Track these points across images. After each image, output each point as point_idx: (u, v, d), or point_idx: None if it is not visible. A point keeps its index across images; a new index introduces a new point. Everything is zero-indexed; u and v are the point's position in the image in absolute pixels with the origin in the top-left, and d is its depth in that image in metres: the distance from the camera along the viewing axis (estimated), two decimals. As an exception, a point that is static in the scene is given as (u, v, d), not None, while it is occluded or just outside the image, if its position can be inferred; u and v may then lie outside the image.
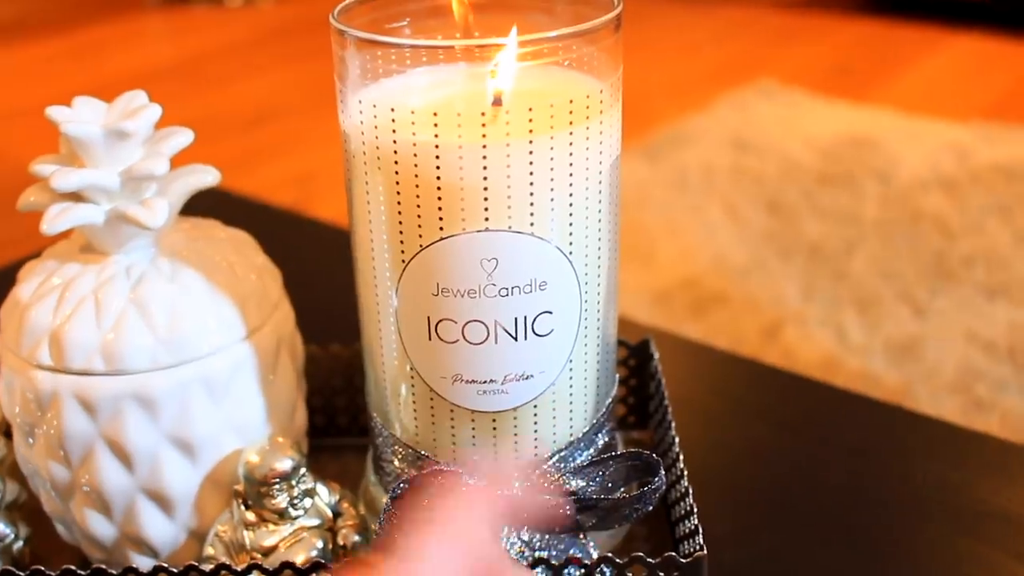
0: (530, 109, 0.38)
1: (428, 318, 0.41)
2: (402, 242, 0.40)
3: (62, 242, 0.49)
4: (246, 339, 0.46)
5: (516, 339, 0.41)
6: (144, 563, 0.46)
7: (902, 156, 1.94)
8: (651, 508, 0.43)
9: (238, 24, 2.91)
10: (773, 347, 1.44)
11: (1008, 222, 1.72)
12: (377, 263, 0.41)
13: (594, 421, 0.45)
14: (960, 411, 1.31)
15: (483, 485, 0.38)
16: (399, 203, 0.39)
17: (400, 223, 0.40)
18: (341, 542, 0.46)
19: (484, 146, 0.37)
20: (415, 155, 0.38)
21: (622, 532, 0.49)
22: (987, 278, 1.57)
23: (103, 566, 0.43)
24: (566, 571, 0.42)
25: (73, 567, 0.43)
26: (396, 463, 0.45)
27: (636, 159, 1.94)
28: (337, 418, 0.57)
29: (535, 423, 0.43)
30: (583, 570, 0.42)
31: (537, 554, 0.43)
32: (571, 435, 0.44)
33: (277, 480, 0.44)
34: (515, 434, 0.43)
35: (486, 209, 0.38)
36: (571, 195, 0.39)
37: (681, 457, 0.47)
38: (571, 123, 0.38)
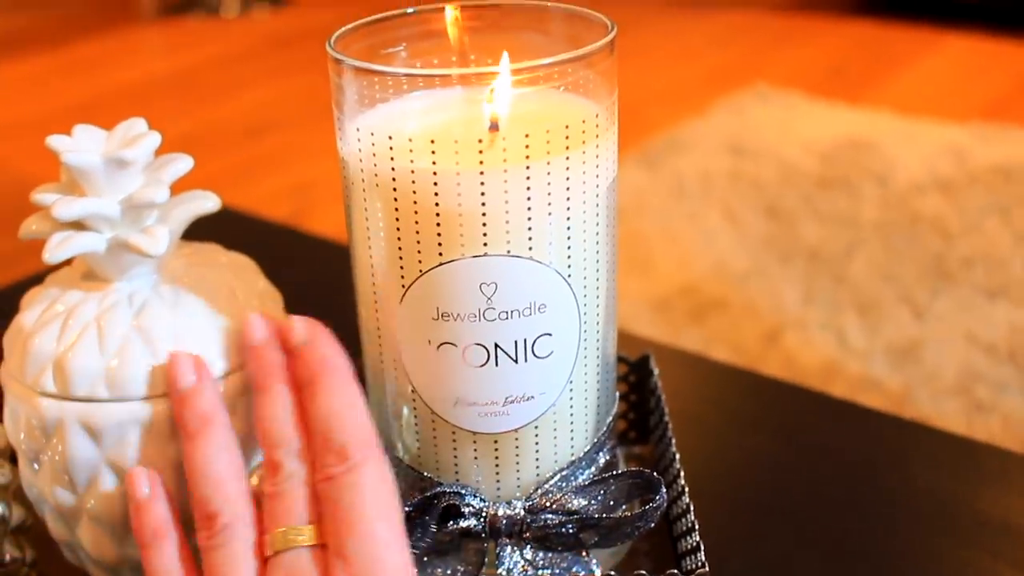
0: (527, 136, 0.38)
1: (429, 341, 0.41)
2: (402, 267, 0.40)
3: (64, 269, 0.49)
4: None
5: (516, 361, 0.41)
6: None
7: (900, 158, 1.94)
8: (653, 525, 0.44)
9: (234, 36, 2.92)
10: (774, 352, 1.44)
11: (1007, 223, 1.72)
12: (378, 287, 0.42)
13: (595, 440, 0.45)
14: (961, 413, 1.31)
15: None
16: (398, 229, 0.40)
17: (399, 248, 0.40)
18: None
19: (482, 172, 0.38)
20: (413, 182, 0.38)
21: (624, 549, 0.49)
22: (987, 279, 1.58)
23: (110, 591, 0.43)
24: None
25: (80, 593, 0.43)
26: (399, 484, 0.46)
27: (633, 166, 1.95)
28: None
29: (536, 443, 0.43)
30: (586, 588, 0.42)
31: (540, 572, 0.44)
32: (572, 454, 0.45)
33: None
34: (517, 455, 0.43)
35: (484, 234, 0.39)
36: (569, 219, 0.40)
37: (682, 474, 0.47)
38: (567, 147, 0.39)
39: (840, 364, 1.41)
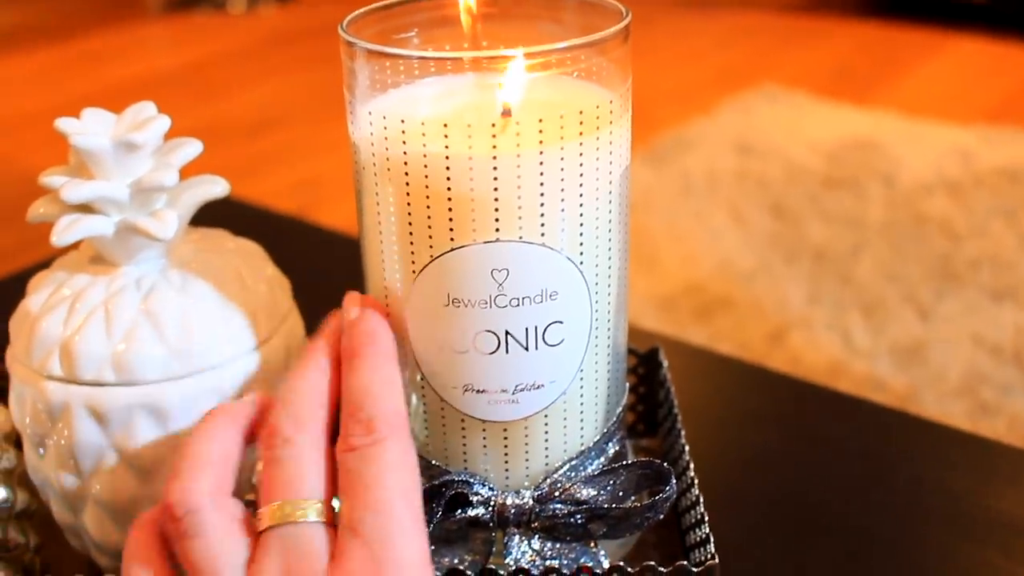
0: (540, 120, 0.38)
1: (438, 328, 0.41)
2: (412, 253, 0.40)
3: (71, 253, 0.49)
4: (256, 349, 0.46)
5: (527, 349, 0.41)
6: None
7: (906, 159, 1.94)
8: (662, 516, 0.44)
9: (240, 31, 2.92)
10: (779, 352, 1.44)
11: (1013, 225, 1.72)
12: (388, 274, 0.41)
13: (605, 430, 0.45)
14: (966, 415, 1.31)
15: None
16: (409, 214, 0.39)
17: (410, 234, 0.40)
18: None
19: (494, 157, 0.37)
20: (425, 166, 0.38)
21: (632, 540, 0.49)
22: (993, 281, 1.57)
23: (114, 575, 0.43)
24: None
25: (84, 578, 0.43)
26: (407, 473, 0.45)
27: (640, 164, 1.94)
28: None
29: (546, 432, 0.43)
30: (594, 580, 0.42)
31: (548, 563, 0.43)
32: (582, 444, 0.44)
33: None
34: (526, 444, 0.43)
35: (497, 220, 0.38)
36: (582, 205, 0.39)
37: (691, 466, 0.47)
38: (581, 133, 0.38)
39: (845, 364, 1.41)
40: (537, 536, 0.44)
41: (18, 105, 2.37)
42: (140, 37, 2.89)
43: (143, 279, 0.45)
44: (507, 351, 0.41)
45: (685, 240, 1.72)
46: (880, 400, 1.31)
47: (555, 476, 0.44)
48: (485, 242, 0.39)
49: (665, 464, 0.43)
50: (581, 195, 0.39)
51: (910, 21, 2.71)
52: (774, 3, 2.94)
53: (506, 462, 0.43)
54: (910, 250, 1.66)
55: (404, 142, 0.38)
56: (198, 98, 2.29)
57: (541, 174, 0.38)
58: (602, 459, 0.45)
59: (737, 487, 0.56)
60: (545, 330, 0.40)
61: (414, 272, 0.40)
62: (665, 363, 0.54)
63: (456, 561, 0.44)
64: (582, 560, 0.44)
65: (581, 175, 0.39)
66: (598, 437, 0.45)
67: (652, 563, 0.41)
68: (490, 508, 0.43)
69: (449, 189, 0.38)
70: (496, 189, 0.38)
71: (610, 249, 0.41)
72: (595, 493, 0.44)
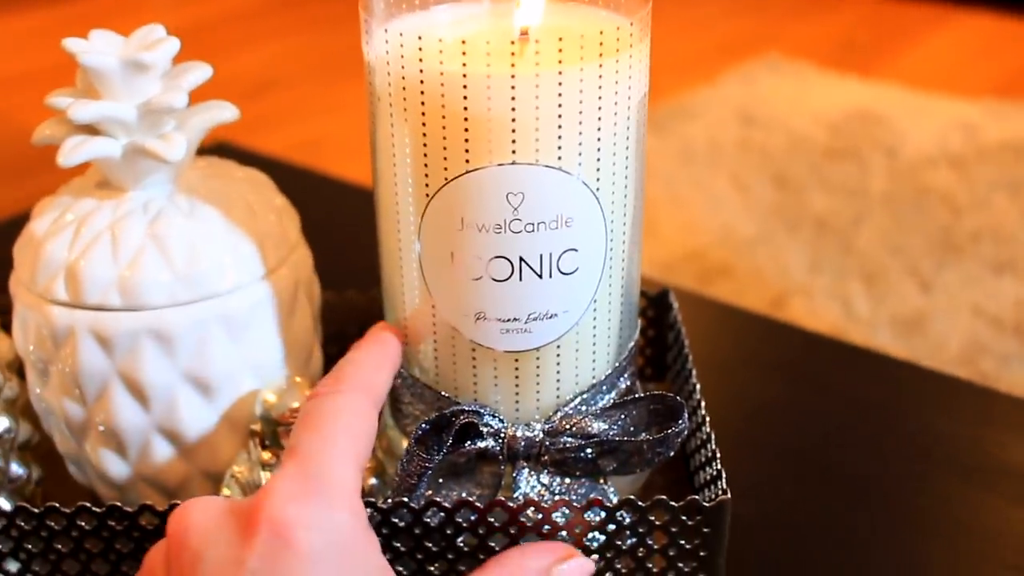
0: (560, 39, 0.37)
1: (452, 254, 0.40)
2: (427, 175, 0.39)
3: (76, 179, 0.48)
4: (264, 278, 0.45)
5: (541, 276, 0.40)
6: (161, 503, 0.46)
7: (910, 132, 1.93)
8: (672, 453, 0.43)
9: (242, -8, 2.89)
10: (779, 319, 1.43)
11: (1016, 199, 1.71)
12: (400, 198, 0.41)
13: (616, 364, 0.44)
14: (966, 384, 1.31)
15: None
16: (424, 135, 0.38)
17: (425, 156, 0.39)
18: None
19: (513, 76, 0.37)
20: (442, 85, 0.37)
21: (640, 480, 0.48)
22: (994, 254, 1.57)
23: (118, 503, 0.42)
24: (586, 515, 0.41)
25: (88, 504, 0.42)
26: (416, 405, 0.45)
27: (642, 131, 1.93)
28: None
29: (558, 364, 0.42)
30: (604, 513, 0.41)
31: (557, 497, 0.43)
32: (594, 377, 0.44)
33: (295, 420, 0.43)
34: (537, 375, 0.42)
35: (513, 142, 0.38)
36: (599, 129, 0.39)
37: (703, 404, 0.46)
38: (601, 55, 0.38)
39: (845, 333, 1.40)
40: (546, 471, 0.43)
41: (14, 65, 2.35)
42: (140, -2, 2.87)
43: (150, 204, 0.45)
44: (520, 278, 0.40)
45: (686, 207, 1.71)
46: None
47: (566, 409, 0.43)
48: (501, 164, 0.38)
49: (677, 398, 0.43)
50: (599, 119, 0.39)
51: (915, -6, 2.69)
52: (779, -26, 2.92)
53: (517, 394, 0.43)
54: (912, 221, 1.66)
55: (421, 60, 0.37)
56: (198, 58, 2.27)
57: (560, 95, 0.37)
58: (613, 393, 0.45)
59: (744, 435, 0.55)
60: (560, 257, 0.40)
61: (428, 195, 0.39)
62: (675, 305, 0.54)
63: (464, 495, 0.43)
64: (592, 495, 0.44)
65: (600, 98, 0.38)
66: (610, 371, 0.44)
67: (663, 497, 0.41)
68: (500, 440, 0.42)
69: (466, 109, 0.37)
70: (514, 110, 0.37)
71: (627, 177, 0.41)
72: (606, 427, 0.43)
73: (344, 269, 0.56)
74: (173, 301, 0.43)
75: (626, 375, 0.46)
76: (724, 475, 0.42)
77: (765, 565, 0.48)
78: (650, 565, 0.43)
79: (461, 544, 0.42)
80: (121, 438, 0.45)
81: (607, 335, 0.43)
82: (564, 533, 0.42)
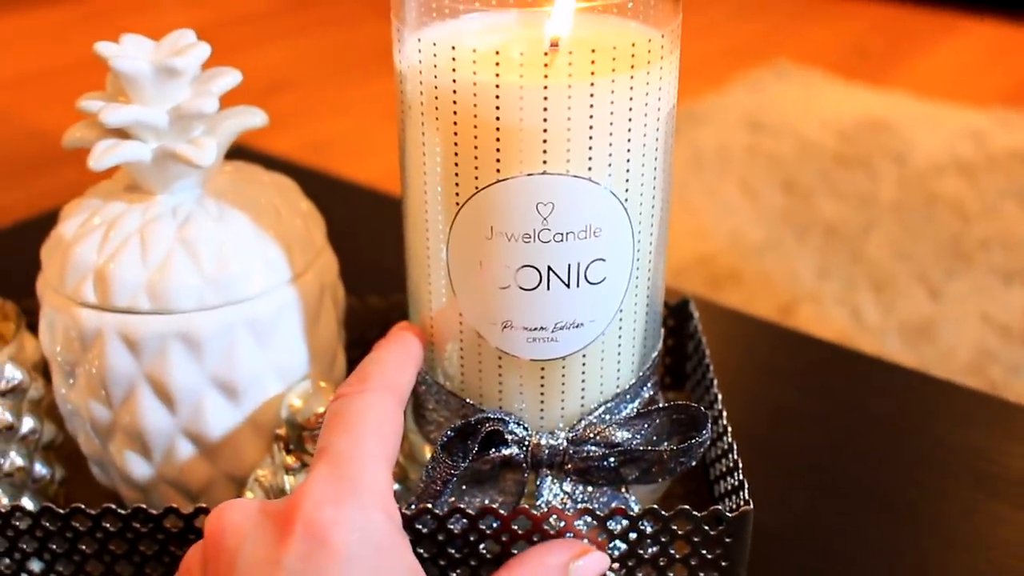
0: (593, 51, 0.37)
1: (480, 262, 0.40)
2: (457, 184, 0.39)
3: (104, 182, 0.48)
4: (291, 283, 0.45)
5: (568, 286, 0.40)
6: (185, 506, 0.46)
7: (919, 139, 1.93)
8: (695, 463, 0.43)
9: (253, -8, 2.90)
10: (788, 325, 1.44)
11: (1025, 207, 1.71)
12: (430, 206, 0.41)
13: (640, 373, 0.45)
14: (975, 393, 1.31)
15: None
16: (456, 144, 0.39)
17: (456, 165, 0.39)
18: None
19: (545, 87, 0.37)
20: (475, 95, 0.37)
21: (661, 489, 0.49)
22: (1003, 262, 1.57)
23: (143, 506, 0.43)
24: (609, 523, 0.42)
25: (113, 506, 0.43)
26: (440, 412, 0.45)
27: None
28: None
29: (583, 373, 0.43)
30: (627, 521, 0.42)
31: (581, 505, 0.43)
32: (618, 386, 0.44)
33: (320, 424, 0.44)
34: (563, 384, 0.43)
35: (544, 152, 0.38)
36: (629, 141, 0.39)
37: (724, 414, 0.47)
38: (633, 67, 0.38)
39: (854, 340, 1.40)
40: (568, 479, 0.44)
41: (26, 63, 2.36)
42: (151, -4, 2.87)
43: (179, 208, 0.45)
44: (548, 287, 0.40)
45: (695, 213, 1.71)
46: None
47: (590, 418, 0.43)
48: (531, 174, 0.38)
49: (700, 408, 0.43)
50: (629, 131, 0.39)
51: (925, 2, 2.69)
52: (789, -20, 2.92)
53: (541, 402, 0.43)
54: (921, 229, 1.66)
55: (454, 70, 0.38)
56: (209, 59, 2.28)
57: (591, 107, 0.38)
58: (637, 402, 0.45)
59: (759, 443, 0.56)
60: (587, 267, 0.40)
61: (458, 204, 0.40)
62: (696, 314, 0.54)
63: (487, 502, 0.44)
64: (614, 504, 0.44)
65: (630, 110, 0.38)
66: (634, 380, 0.44)
67: (686, 507, 0.41)
68: (524, 448, 0.43)
69: (498, 119, 0.38)
70: (545, 120, 0.37)
71: (654, 188, 0.41)
72: (629, 436, 0.43)
73: (360, 272, 0.56)
74: (201, 305, 0.43)
75: (649, 384, 0.46)
76: (747, 485, 0.43)
77: (785, 575, 0.48)
78: (671, 574, 0.43)
79: (484, 551, 0.42)
80: (146, 440, 0.45)
81: (632, 344, 0.44)
82: (587, 541, 0.42)
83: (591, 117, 0.38)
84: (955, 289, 1.51)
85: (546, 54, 0.37)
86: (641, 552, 0.42)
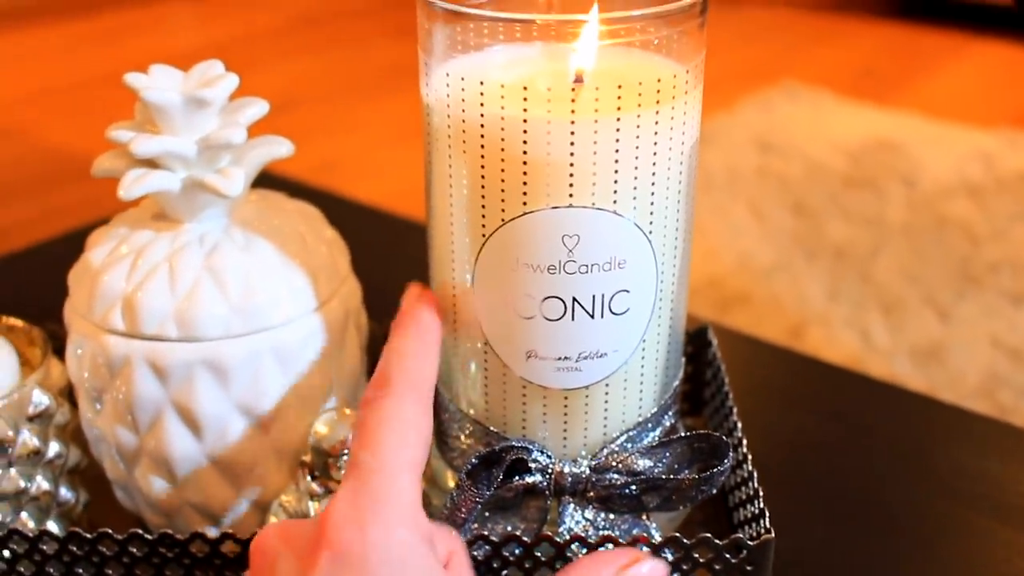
0: (619, 86, 0.38)
1: (506, 293, 0.41)
2: (483, 215, 0.40)
3: (131, 210, 0.49)
4: (317, 311, 0.46)
5: (593, 317, 0.41)
6: (209, 531, 0.46)
7: (928, 161, 1.94)
8: (715, 491, 0.44)
9: (263, 11, 2.92)
10: (797, 348, 1.44)
11: (1034, 230, 1.71)
12: (456, 236, 0.41)
13: (662, 402, 0.45)
14: (985, 416, 1.31)
15: None
16: (483, 177, 0.39)
17: (483, 196, 0.40)
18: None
19: (572, 122, 0.37)
20: (503, 129, 0.38)
21: (680, 517, 0.49)
22: (1013, 285, 1.57)
23: (169, 531, 0.43)
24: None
25: (140, 531, 0.43)
26: (463, 439, 0.46)
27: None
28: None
29: (606, 402, 0.43)
30: (649, 549, 0.42)
31: (603, 532, 0.43)
32: (640, 415, 0.44)
33: (346, 451, 0.44)
34: (586, 413, 0.43)
35: (571, 185, 0.38)
36: (654, 175, 0.39)
37: (744, 442, 0.47)
38: (658, 102, 0.38)
39: (863, 363, 1.41)
40: (590, 506, 0.44)
41: (36, 79, 2.37)
42: (163, 15, 2.89)
43: (206, 236, 0.45)
44: (573, 318, 0.41)
45: (705, 235, 1.72)
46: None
47: (612, 446, 0.44)
48: (556, 207, 0.39)
49: (722, 437, 0.43)
50: (654, 164, 0.39)
51: (934, 24, 2.70)
52: (798, 1, 2.93)
53: (565, 430, 0.43)
54: (930, 251, 1.66)
55: (482, 104, 0.38)
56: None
57: (617, 141, 0.38)
58: (658, 431, 0.45)
59: (776, 470, 0.56)
60: (612, 298, 0.41)
61: (484, 235, 0.40)
62: (714, 341, 0.54)
63: (510, 529, 0.44)
64: (635, 531, 0.44)
65: (655, 144, 0.39)
66: (655, 409, 0.45)
67: (708, 535, 0.42)
68: (547, 476, 0.43)
69: (525, 153, 0.38)
70: (572, 154, 0.38)
71: (678, 220, 0.42)
72: (651, 464, 0.44)
73: (380, 297, 0.57)
74: (228, 333, 0.44)
75: (670, 413, 0.46)
76: (768, 514, 0.43)
77: (802, 602, 0.49)
78: (693, 602, 0.43)
79: (507, 577, 0.42)
80: (172, 466, 0.46)
81: (654, 374, 0.44)
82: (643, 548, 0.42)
83: (617, 151, 0.38)
84: (964, 312, 1.52)
85: (573, 89, 0.38)
86: (663, 580, 0.42)
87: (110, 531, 0.43)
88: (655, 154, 0.39)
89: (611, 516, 0.44)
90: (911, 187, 1.85)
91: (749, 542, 0.42)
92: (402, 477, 0.36)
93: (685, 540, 0.42)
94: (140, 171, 0.44)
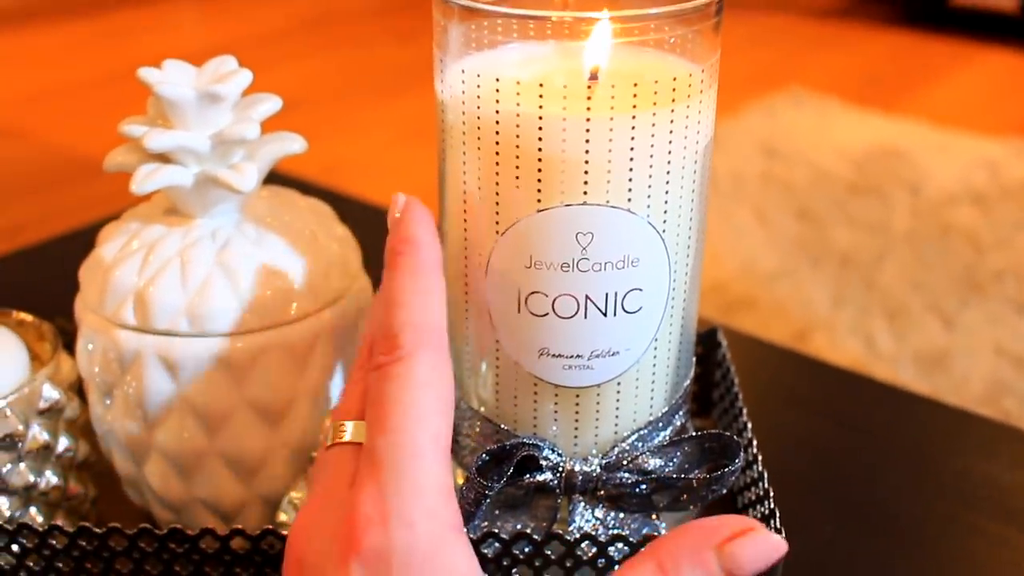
0: (635, 84, 0.38)
1: (519, 291, 0.41)
2: (497, 213, 0.40)
3: (143, 205, 0.49)
4: (328, 307, 0.46)
5: (605, 315, 0.41)
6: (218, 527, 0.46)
7: (933, 169, 1.94)
8: (725, 490, 0.44)
9: (270, 12, 2.92)
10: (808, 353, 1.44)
11: (1039, 239, 1.71)
12: (470, 235, 0.41)
13: (673, 402, 0.45)
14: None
15: None
16: (497, 174, 0.39)
17: (497, 194, 0.40)
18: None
19: (588, 120, 0.37)
20: (518, 126, 0.38)
21: (690, 517, 0.49)
22: (1017, 293, 1.57)
23: (179, 526, 0.43)
24: (642, 550, 0.42)
25: (150, 526, 0.43)
26: (473, 436, 0.45)
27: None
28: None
29: (617, 401, 0.43)
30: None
31: (613, 531, 0.43)
32: (651, 414, 0.44)
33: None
34: (597, 411, 0.43)
35: (586, 183, 0.38)
36: (668, 173, 0.39)
37: (754, 442, 0.47)
38: (674, 100, 0.38)
39: (868, 369, 1.41)
40: (600, 505, 0.44)
41: (42, 79, 2.37)
42: (169, 15, 2.89)
43: (218, 231, 0.45)
44: (585, 316, 0.41)
45: (709, 239, 1.72)
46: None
47: (623, 445, 0.44)
48: (570, 205, 0.39)
49: (733, 436, 0.43)
50: (669, 163, 0.39)
51: (941, 32, 2.70)
52: (804, 7, 2.94)
53: (576, 429, 0.43)
54: (935, 259, 1.66)
55: (497, 101, 0.38)
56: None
57: (632, 139, 0.38)
58: (669, 430, 0.45)
59: (783, 471, 0.56)
60: (625, 297, 0.41)
61: (498, 232, 0.40)
62: (724, 343, 0.54)
63: (520, 527, 0.44)
64: (644, 531, 0.44)
65: (670, 143, 0.39)
66: (666, 408, 0.45)
67: (718, 535, 0.41)
68: (558, 474, 0.43)
69: (540, 150, 0.38)
70: (587, 152, 0.38)
71: (691, 219, 0.42)
72: (661, 464, 0.44)
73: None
74: (240, 328, 0.44)
75: (681, 412, 0.46)
76: (778, 514, 0.43)
77: (811, 604, 0.49)
78: (703, 602, 0.43)
79: (517, 575, 0.42)
80: (181, 461, 0.46)
81: (666, 373, 0.44)
82: (619, 567, 0.42)
83: (632, 149, 0.38)
84: (969, 319, 1.52)
85: (589, 87, 0.38)
86: (672, 580, 0.42)
87: (119, 526, 0.43)
88: (670, 153, 0.39)
89: (621, 515, 0.44)
90: (916, 194, 1.85)
91: (759, 542, 0.41)
92: (424, 459, 0.34)
93: (695, 540, 0.42)
94: (153, 166, 0.44)
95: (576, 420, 0.43)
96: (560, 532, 0.42)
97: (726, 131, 2.10)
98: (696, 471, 0.44)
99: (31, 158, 1.88)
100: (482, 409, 0.45)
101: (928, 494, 0.55)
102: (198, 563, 0.44)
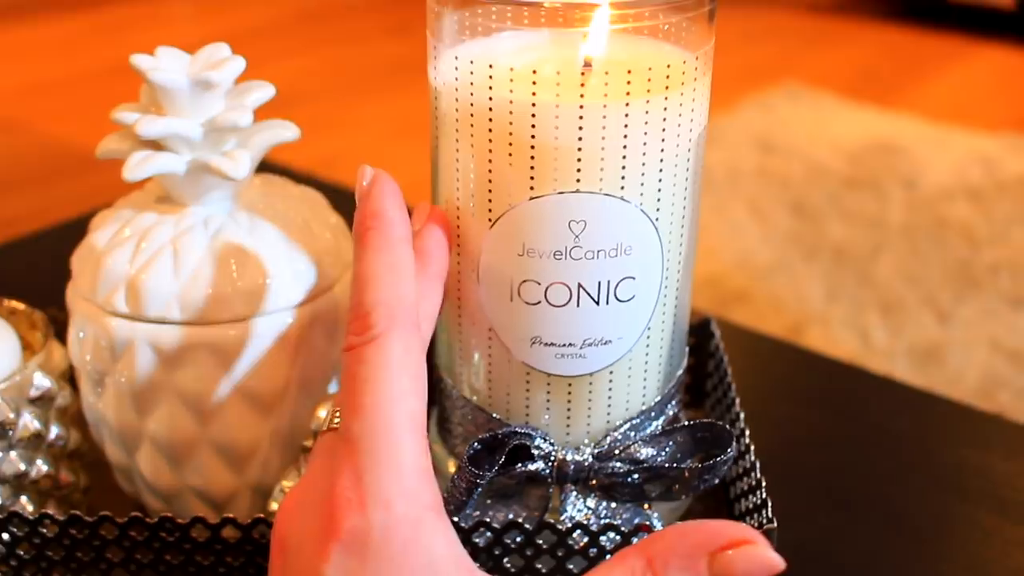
0: (628, 71, 0.38)
1: (511, 279, 0.41)
2: (490, 200, 0.40)
3: (135, 193, 0.49)
4: (321, 296, 0.46)
5: (598, 303, 0.41)
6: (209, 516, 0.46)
7: (928, 163, 1.94)
8: (718, 480, 0.43)
9: (265, 6, 2.92)
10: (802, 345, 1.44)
11: (1034, 233, 1.71)
12: (462, 222, 0.41)
13: (666, 391, 0.45)
14: (984, 418, 1.31)
15: None
16: (490, 161, 0.39)
17: (490, 181, 0.40)
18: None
19: (581, 107, 0.37)
20: (511, 112, 0.38)
21: (682, 507, 0.49)
22: (1012, 287, 1.57)
23: (170, 515, 0.43)
24: (633, 540, 0.42)
25: (141, 515, 0.43)
26: (465, 425, 0.45)
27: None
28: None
29: (610, 390, 0.43)
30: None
31: (604, 521, 0.43)
32: (643, 404, 0.44)
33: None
34: (589, 400, 0.43)
35: (578, 171, 0.38)
36: (662, 161, 0.39)
37: (747, 432, 0.47)
38: (667, 88, 0.38)
39: (862, 363, 1.41)
40: (592, 495, 0.44)
41: (37, 73, 2.37)
42: (163, 9, 2.89)
43: (211, 219, 0.45)
44: (578, 304, 0.41)
45: (704, 233, 1.72)
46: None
47: (615, 434, 0.44)
48: (563, 192, 0.39)
49: (725, 426, 0.43)
50: (662, 151, 0.39)
51: (936, 27, 2.70)
52: (800, 2, 2.94)
53: (568, 418, 0.43)
54: (930, 253, 1.66)
55: (490, 88, 0.38)
56: (219, 71, 2.28)
57: (626, 127, 0.38)
58: (661, 420, 0.45)
59: (775, 462, 0.56)
60: (617, 285, 0.40)
61: (490, 220, 0.40)
62: (717, 333, 0.54)
63: (511, 516, 0.44)
64: (636, 520, 0.44)
65: (663, 131, 0.39)
66: (659, 398, 0.45)
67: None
68: (550, 463, 0.43)
69: (533, 137, 0.38)
70: (580, 139, 0.38)
71: (684, 208, 0.41)
72: (654, 453, 0.44)
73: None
74: (232, 316, 0.44)
75: (673, 402, 0.46)
76: (770, 504, 0.43)
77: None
78: (695, 591, 0.43)
79: (508, 565, 0.42)
80: (173, 450, 0.46)
81: (658, 362, 0.44)
82: (610, 557, 0.42)
83: (625, 137, 0.38)
84: (963, 314, 1.52)
85: (582, 74, 0.38)
86: (665, 569, 0.42)
87: (110, 515, 0.43)
88: (663, 140, 0.39)
89: (613, 505, 0.44)
90: (911, 189, 1.85)
91: (752, 532, 0.41)
92: (399, 440, 0.34)
93: (688, 529, 0.42)
94: (145, 153, 0.44)
95: (568, 409, 0.43)
96: (552, 521, 0.42)
97: (721, 125, 2.09)
98: (688, 461, 0.44)
99: (27, 151, 1.87)
100: (474, 398, 0.45)
101: (921, 485, 0.55)
102: (189, 552, 0.44)
